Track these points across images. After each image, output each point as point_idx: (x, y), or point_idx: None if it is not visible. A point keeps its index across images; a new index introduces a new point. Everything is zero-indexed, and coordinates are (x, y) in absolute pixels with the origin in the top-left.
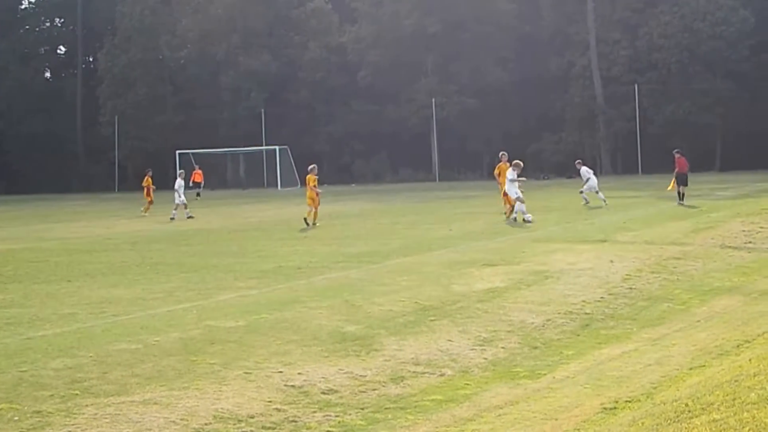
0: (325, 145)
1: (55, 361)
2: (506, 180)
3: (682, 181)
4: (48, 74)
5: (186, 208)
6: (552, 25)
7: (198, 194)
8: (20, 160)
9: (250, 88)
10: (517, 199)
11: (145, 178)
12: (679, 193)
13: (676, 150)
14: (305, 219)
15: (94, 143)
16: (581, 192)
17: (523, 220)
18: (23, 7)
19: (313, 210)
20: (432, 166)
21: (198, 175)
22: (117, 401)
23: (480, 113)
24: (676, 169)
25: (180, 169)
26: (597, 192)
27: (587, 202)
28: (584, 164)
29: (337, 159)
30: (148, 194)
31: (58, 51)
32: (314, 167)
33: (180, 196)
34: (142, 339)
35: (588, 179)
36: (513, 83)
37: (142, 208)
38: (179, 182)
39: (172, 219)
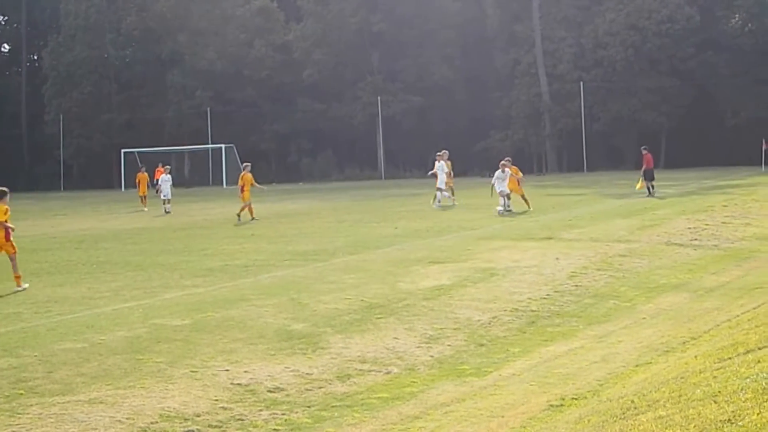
0: (271, 143)
1: None
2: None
3: (649, 176)
4: None
5: (167, 203)
6: (497, 22)
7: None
8: None
9: (196, 87)
10: (501, 193)
11: (142, 174)
12: (648, 187)
13: (644, 147)
14: (238, 214)
15: (39, 142)
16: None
17: (506, 211)
18: None
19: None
20: (378, 164)
21: (160, 172)
22: (62, 401)
23: (426, 111)
24: (645, 166)
25: (154, 165)
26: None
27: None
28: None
29: (283, 157)
30: (143, 190)
31: (2, 49)
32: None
33: (165, 191)
34: (88, 338)
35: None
36: (459, 81)
37: (145, 207)
38: (166, 177)
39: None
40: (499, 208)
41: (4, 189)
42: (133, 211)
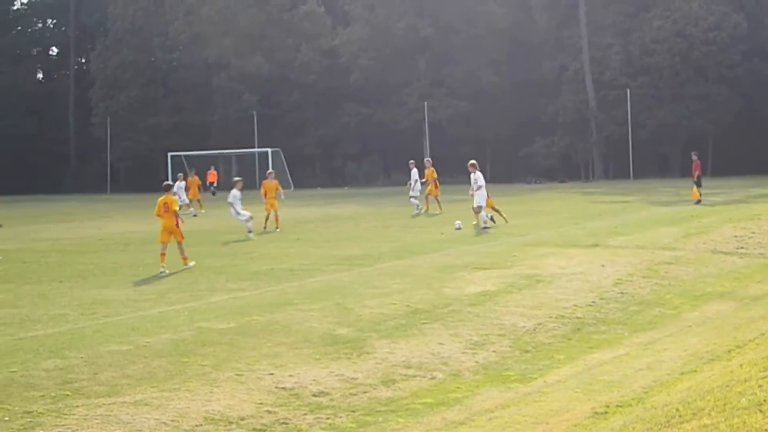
0: (317, 148)
1: (46, 362)
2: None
3: (700, 183)
4: (40, 75)
5: (189, 208)
6: (544, 28)
7: (213, 192)
8: (12, 161)
9: (242, 91)
10: (248, 221)
11: (193, 178)
12: (700, 195)
13: (694, 153)
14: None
15: (86, 145)
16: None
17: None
18: (15, 8)
19: (272, 213)
20: (424, 169)
21: (212, 175)
22: (108, 402)
23: (472, 116)
24: (697, 173)
25: (183, 171)
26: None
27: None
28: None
29: (329, 162)
30: (195, 193)
31: (51, 52)
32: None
33: (181, 197)
34: (133, 340)
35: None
36: (505, 86)
37: (202, 210)
38: (179, 184)
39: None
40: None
41: (169, 182)
42: (182, 215)
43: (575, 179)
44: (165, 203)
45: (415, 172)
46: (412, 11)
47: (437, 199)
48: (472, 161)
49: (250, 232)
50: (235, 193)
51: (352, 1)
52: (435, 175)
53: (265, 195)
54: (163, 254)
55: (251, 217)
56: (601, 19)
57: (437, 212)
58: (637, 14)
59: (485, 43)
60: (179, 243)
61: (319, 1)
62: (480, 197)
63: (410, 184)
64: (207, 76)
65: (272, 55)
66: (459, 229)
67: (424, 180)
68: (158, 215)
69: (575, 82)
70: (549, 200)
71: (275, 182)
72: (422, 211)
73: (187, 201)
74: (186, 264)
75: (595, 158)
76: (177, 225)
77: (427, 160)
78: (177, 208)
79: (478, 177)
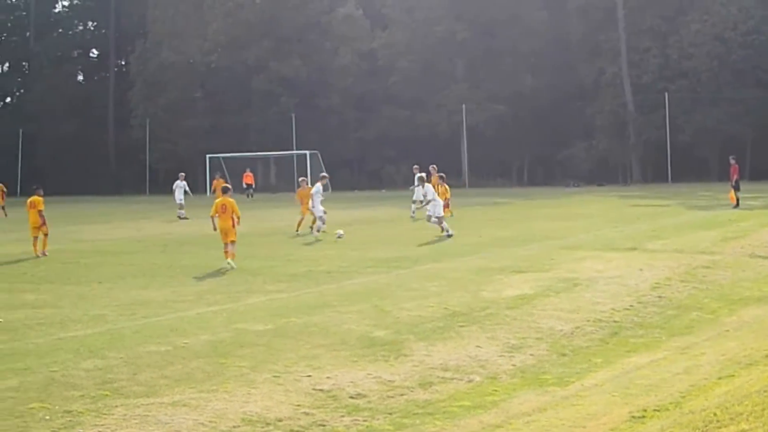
0: (355, 151)
1: (85, 362)
2: (311, 195)
3: (738, 186)
4: (81, 77)
5: (181, 209)
6: (582, 31)
7: (249, 195)
8: (52, 162)
9: (281, 93)
10: (320, 218)
11: (218, 180)
12: (737, 198)
13: (732, 156)
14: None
15: (125, 146)
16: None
17: (337, 236)
18: (57, 10)
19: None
20: (462, 172)
21: (248, 177)
22: (146, 402)
23: (510, 120)
24: (735, 177)
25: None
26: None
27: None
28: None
29: (366, 165)
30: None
31: (91, 54)
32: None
33: (180, 197)
34: (172, 341)
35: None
36: (543, 90)
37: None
38: (181, 183)
39: (185, 218)
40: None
41: (228, 186)
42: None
43: (613, 183)
44: (223, 204)
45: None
46: (451, 14)
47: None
48: (421, 174)
49: (318, 231)
50: (318, 187)
51: (391, 4)
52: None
53: (301, 201)
54: (226, 252)
55: (323, 217)
56: (639, 23)
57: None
58: (675, 18)
59: (523, 47)
60: (232, 243)
61: (358, 4)
62: (435, 208)
63: (412, 189)
64: (245, 78)
65: (310, 57)
66: (340, 237)
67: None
68: (213, 216)
69: (613, 86)
70: (587, 204)
71: (308, 189)
72: (417, 217)
73: (182, 201)
74: (228, 260)
75: (633, 162)
76: (233, 225)
77: (432, 167)
78: (239, 213)
79: (428, 190)
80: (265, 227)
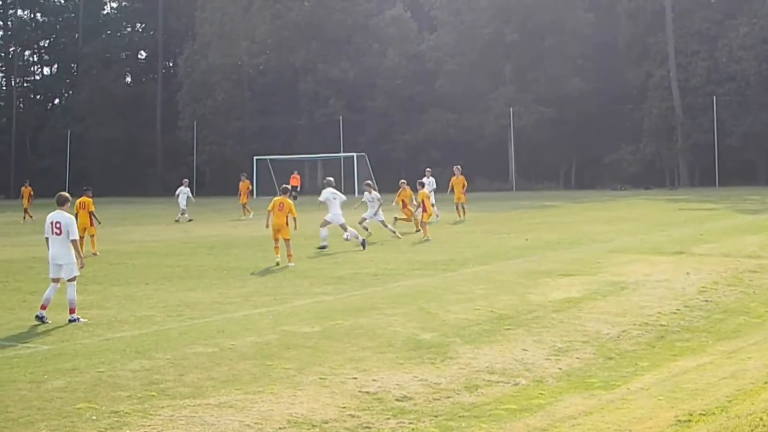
0: (402, 153)
1: (132, 363)
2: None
3: None
4: (129, 79)
5: (183, 214)
6: (630, 34)
7: (293, 197)
8: (99, 164)
9: (328, 95)
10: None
11: (244, 182)
12: None
13: None
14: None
15: (172, 148)
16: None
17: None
18: (105, 12)
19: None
20: (509, 175)
21: (295, 180)
22: (193, 404)
23: (557, 123)
24: None
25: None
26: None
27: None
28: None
29: (414, 167)
30: (244, 198)
31: (139, 56)
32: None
33: (183, 202)
34: (219, 342)
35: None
36: (590, 92)
37: (249, 215)
38: (185, 189)
39: (189, 220)
40: (348, 234)
41: (287, 186)
42: (245, 220)
43: (660, 186)
44: (281, 203)
45: (432, 181)
46: (499, 17)
47: (463, 207)
48: (368, 181)
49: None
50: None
51: (439, 6)
52: (465, 184)
53: (403, 204)
54: (275, 248)
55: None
56: (687, 26)
57: (461, 219)
58: (724, 21)
59: (571, 49)
60: (287, 241)
61: (406, 6)
62: (370, 213)
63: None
64: (293, 80)
65: (358, 60)
66: (348, 240)
67: (450, 189)
68: (270, 210)
69: (661, 89)
70: (634, 207)
71: (407, 191)
72: (438, 220)
73: (185, 207)
74: (289, 262)
75: (680, 165)
76: (287, 224)
77: (457, 168)
78: (296, 214)
79: (374, 197)
80: (312, 230)
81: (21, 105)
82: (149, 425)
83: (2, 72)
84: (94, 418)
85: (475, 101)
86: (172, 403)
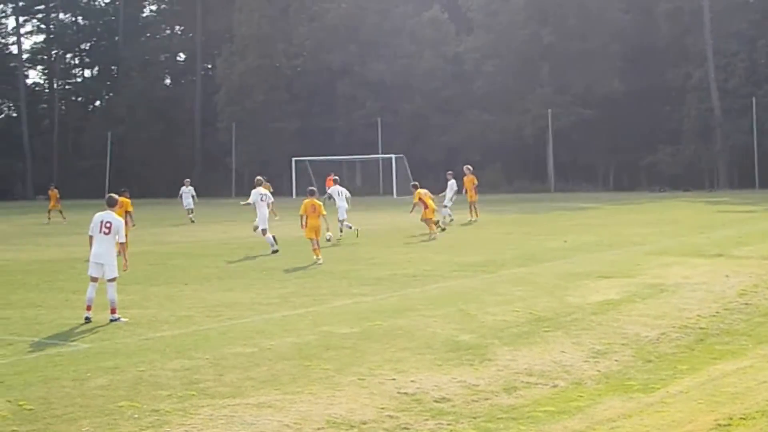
0: (439, 155)
1: (172, 362)
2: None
3: None
4: (168, 81)
5: (191, 213)
6: (668, 35)
7: (330, 197)
8: (139, 165)
9: (366, 97)
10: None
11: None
12: None
13: None
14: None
15: (211, 149)
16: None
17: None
18: (144, 15)
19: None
20: (547, 176)
21: (332, 182)
22: (232, 403)
23: (595, 124)
24: None
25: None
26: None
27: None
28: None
29: (451, 168)
30: None
31: (178, 58)
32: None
33: (188, 202)
34: (257, 343)
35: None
36: (628, 94)
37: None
38: (186, 189)
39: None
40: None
41: (313, 188)
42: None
43: (699, 188)
44: (313, 205)
45: (453, 183)
46: (535, 18)
47: (475, 206)
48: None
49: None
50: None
51: (476, 8)
52: (475, 182)
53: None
54: (315, 249)
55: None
56: (726, 27)
57: (474, 219)
58: (763, 22)
59: (609, 50)
60: (318, 240)
61: (443, 8)
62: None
63: (445, 195)
64: (331, 82)
65: (396, 61)
66: (329, 240)
67: (464, 190)
68: (303, 215)
69: (699, 90)
70: (673, 209)
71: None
72: (451, 221)
73: (192, 206)
74: (317, 258)
75: (719, 167)
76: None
77: (467, 168)
78: (324, 213)
79: (341, 191)
80: (349, 231)
81: (63, 107)
82: (189, 424)
83: (45, 75)
84: (136, 416)
85: (512, 102)
86: (211, 402)
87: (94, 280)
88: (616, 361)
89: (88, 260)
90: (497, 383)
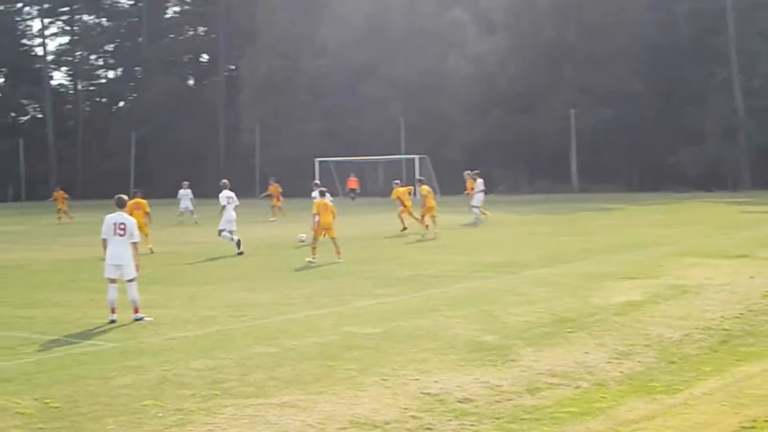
0: (462, 155)
1: (196, 362)
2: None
3: None
4: (191, 82)
5: (181, 216)
6: (690, 35)
7: (353, 198)
8: (162, 166)
9: (389, 98)
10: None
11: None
12: None
13: None
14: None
15: (234, 150)
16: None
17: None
18: (168, 16)
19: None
20: (570, 177)
21: (353, 182)
22: (255, 403)
23: (618, 124)
24: None
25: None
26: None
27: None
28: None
29: (474, 168)
30: (278, 200)
31: (201, 59)
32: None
33: (185, 205)
34: (281, 343)
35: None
36: (651, 94)
37: (274, 218)
38: (183, 192)
39: (178, 223)
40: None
41: (324, 189)
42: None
43: (722, 189)
44: (325, 204)
45: (480, 182)
46: (559, 18)
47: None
48: (321, 188)
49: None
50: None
51: (498, 8)
52: (473, 187)
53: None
54: (314, 248)
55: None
56: (749, 26)
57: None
58: None
59: (631, 51)
60: (334, 239)
61: (465, 9)
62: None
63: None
64: (354, 82)
65: (418, 62)
66: (302, 241)
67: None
68: (316, 214)
69: (723, 90)
70: (696, 210)
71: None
72: (483, 220)
73: (191, 208)
74: (338, 258)
75: (743, 167)
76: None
77: (467, 173)
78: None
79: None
80: (371, 231)
81: (87, 108)
82: (213, 423)
83: (69, 76)
84: (160, 415)
85: (535, 103)
86: (235, 402)
87: (113, 281)
88: (639, 362)
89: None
90: (520, 384)
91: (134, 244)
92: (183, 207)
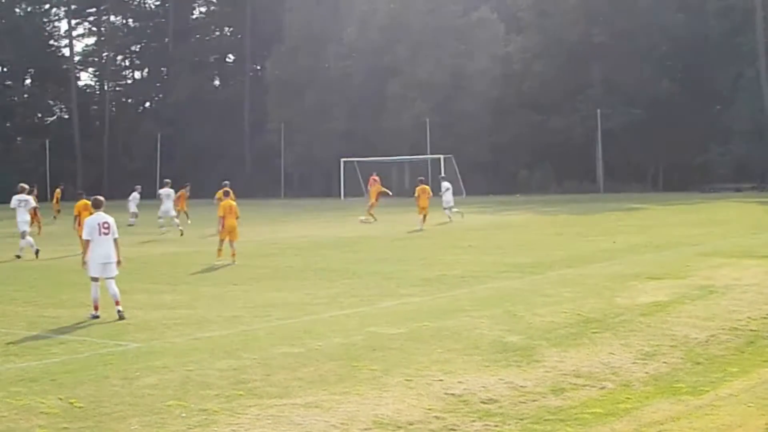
0: (488, 155)
1: (220, 362)
2: None
3: None
4: (217, 82)
5: (173, 220)
6: (719, 34)
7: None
8: (188, 166)
9: (415, 97)
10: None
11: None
12: None
13: None
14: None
15: (260, 150)
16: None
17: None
18: (194, 16)
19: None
20: (597, 177)
21: (373, 181)
22: (279, 403)
23: (645, 124)
24: None
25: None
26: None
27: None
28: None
29: (500, 169)
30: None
31: (227, 59)
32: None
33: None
34: (305, 343)
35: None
36: (679, 94)
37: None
38: (167, 191)
39: (161, 227)
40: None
41: (228, 189)
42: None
43: (750, 188)
44: (229, 206)
45: (445, 185)
46: (586, 18)
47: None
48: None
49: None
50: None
51: (525, 7)
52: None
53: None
54: (219, 249)
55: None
56: None
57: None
58: None
59: (659, 50)
60: (232, 242)
61: (492, 8)
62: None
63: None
64: (380, 82)
65: (445, 61)
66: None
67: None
68: (221, 215)
69: (751, 90)
70: (724, 209)
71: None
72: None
73: (173, 213)
74: (233, 260)
75: None
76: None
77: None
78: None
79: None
80: (398, 231)
81: (113, 109)
82: (237, 423)
83: (96, 77)
84: (184, 415)
85: (562, 102)
86: (259, 402)
87: (95, 280)
88: (664, 363)
89: (85, 263)
90: (545, 384)
91: (115, 240)
92: (171, 212)
